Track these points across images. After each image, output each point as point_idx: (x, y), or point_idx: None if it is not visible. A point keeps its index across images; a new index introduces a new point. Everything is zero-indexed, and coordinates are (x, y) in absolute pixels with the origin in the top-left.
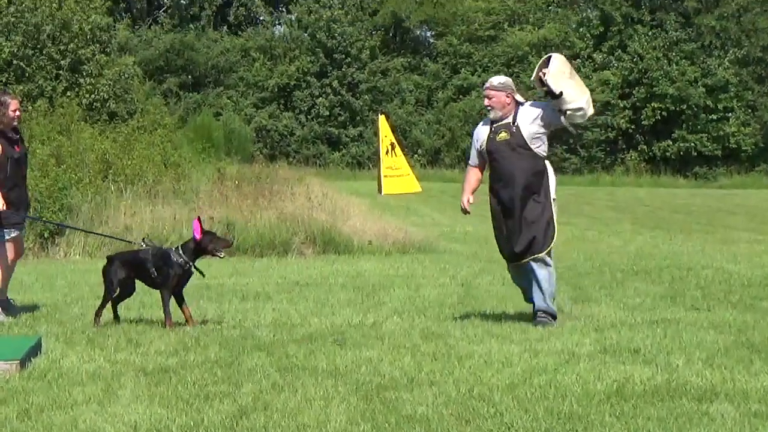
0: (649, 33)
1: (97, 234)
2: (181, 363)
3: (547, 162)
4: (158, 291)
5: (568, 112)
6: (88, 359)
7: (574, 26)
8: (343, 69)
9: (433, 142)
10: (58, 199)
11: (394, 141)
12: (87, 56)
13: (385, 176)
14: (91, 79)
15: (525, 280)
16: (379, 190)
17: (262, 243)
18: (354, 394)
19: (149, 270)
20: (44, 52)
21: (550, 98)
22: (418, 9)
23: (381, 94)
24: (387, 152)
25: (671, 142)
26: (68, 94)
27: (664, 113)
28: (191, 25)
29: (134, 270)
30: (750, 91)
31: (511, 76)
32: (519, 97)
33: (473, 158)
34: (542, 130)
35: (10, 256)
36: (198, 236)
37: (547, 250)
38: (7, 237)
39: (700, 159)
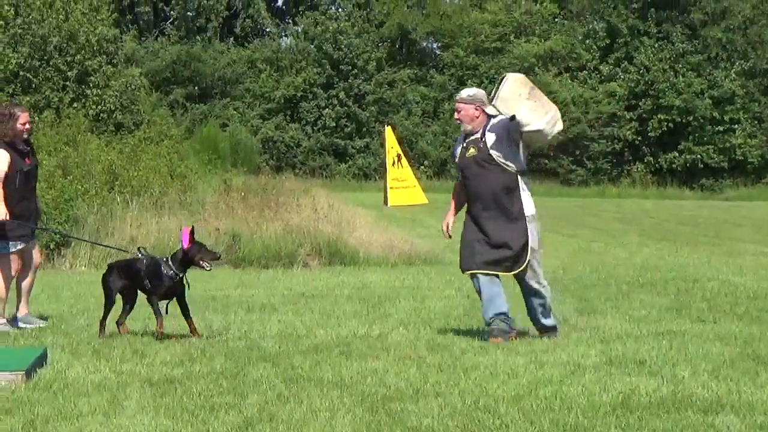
0: (656, 45)
1: (93, 243)
2: (186, 374)
3: (521, 177)
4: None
5: (526, 135)
6: (93, 370)
7: (580, 38)
8: (350, 80)
9: (439, 154)
10: (65, 210)
11: (400, 152)
12: (94, 67)
13: (392, 188)
14: (98, 91)
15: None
16: (385, 202)
17: (268, 254)
18: (359, 405)
19: (143, 279)
20: (51, 64)
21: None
22: (425, 21)
23: (387, 106)
24: (393, 164)
25: (677, 154)
26: (75, 105)
27: (670, 125)
28: (198, 37)
29: (130, 279)
30: (756, 103)
31: None
32: (492, 110)
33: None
34: (513, 143)
35: (15, 267)
36: (186, 246)
37: (515, 272)
38: (12, 249)
39: (706, 171)
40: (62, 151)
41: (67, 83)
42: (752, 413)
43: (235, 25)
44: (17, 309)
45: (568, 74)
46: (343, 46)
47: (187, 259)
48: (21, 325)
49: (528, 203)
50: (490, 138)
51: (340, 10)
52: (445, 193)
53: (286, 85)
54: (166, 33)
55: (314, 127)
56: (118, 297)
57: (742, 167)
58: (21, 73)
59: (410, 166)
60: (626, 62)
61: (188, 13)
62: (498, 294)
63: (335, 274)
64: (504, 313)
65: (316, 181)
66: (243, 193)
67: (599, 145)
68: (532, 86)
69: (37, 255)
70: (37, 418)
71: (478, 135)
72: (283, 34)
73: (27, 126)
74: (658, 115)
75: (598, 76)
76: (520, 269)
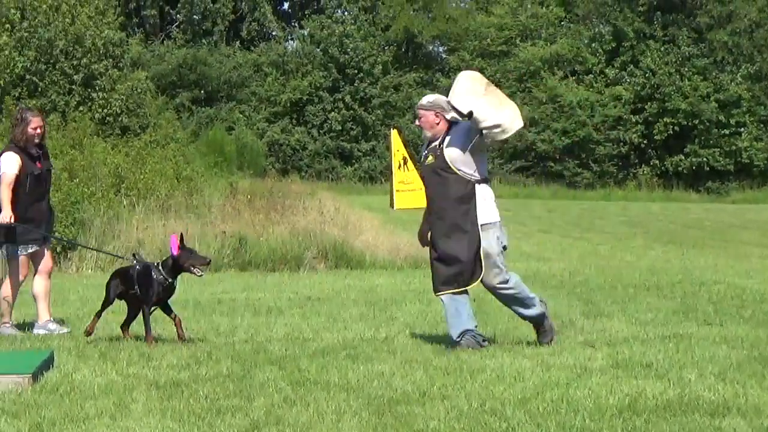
0: (662, 48)
1: (89, 248)
2: (193, 377)
3: (479, 186)
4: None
5: (484, 131)
6: (100, 373)
7: (586, 42)
8: (356, 84)
9: None
10: (71, 213)
11: (406, 155)
12: (100, 71)
13: (398, 191)
14: (104, 94)
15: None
16: (392, 205)
17: (275, 258)
18: (366, 408)
19: (135, 285)
20: (57, 67)
21: (467, 119)
22: (431, 24)
23: (393, 109)
24: (399, 166)
25: (683, 157)
26: (81, 108)
27: (676, 128)
28: (204, 41)
29: (127, 285)
30: (762, 107)
31: (523, 91)
32: (452, 114)
33: None
34: (471, 150)
35: (23, 272)
36: (175, 252)
37: (473, 284)
38: (23, 252)
39: (712, 174)
40: (68, 154)
41: (73, 87)
42: (759, 416)
43: (241, 28)
44: (38, 315)
45: (574, 78)
46: (349, 50)
47: (177, 266)
48: (39, 331)
49: (485, 212)
50: (448, 145)
51: (346, 13)
52: None
53: (292, 89)
54: (172, 36)
55: (320, 131)
56: (124, 303)
57: (748, 170)
58: (27, 76)
59: (416, 169)
60: (632, 66)
61: (194, 16)
62: (461, 312)
63: (341, 277)
64: (470, 330)
65: (322, 184)
66: (249, 196)
67: (605, 148)
68: (488, 83)
69: (50, 259)
70: (44, 421)
71: (437, 142)
72: (289, 37)
73: (39, 130)
74: (664, 119)
75: (604, 79)
76: (476, 281)
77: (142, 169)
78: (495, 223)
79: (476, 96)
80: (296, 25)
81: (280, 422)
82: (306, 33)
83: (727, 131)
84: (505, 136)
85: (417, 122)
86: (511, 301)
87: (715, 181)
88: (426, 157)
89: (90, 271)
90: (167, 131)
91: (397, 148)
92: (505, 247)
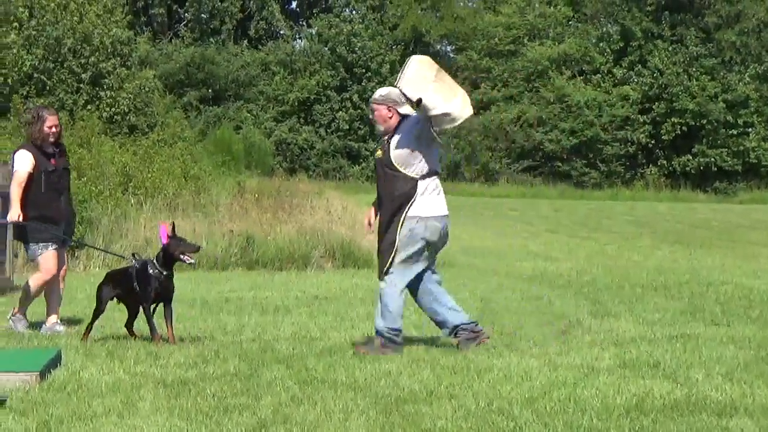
0: (670, 48)
1: (91, 247)
2: (200, 375)
3: (422, 181)
4: (171, 306)
5: (433, 120)
6: (107, 371)
7: (594, 41)
8: (363, 83)
9: (452, 156)
10: (78, 211)
11: None
12: (108, 70)
13: None
14: (112, 93)
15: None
16: None
17: (282, 256)
18: (373, 407)
19: (134, 285)
20: (65, 66)
21: (415, 107)
22: (439, 24)
23: None
24: None
25: (691, 157)
26: (89, 107)
27: (684, 128)
28: (212, 39)
29: (124, 285)
30: None
31: (531, 91)
32: (407, 110)
33: None
34: (417, 146)
35: (50, 269)
36: (165, 241)
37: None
38: (41, 252)
39: (720, 174)
40: (76, 153)
41: (81, 85)
42: (766, 416)
43: (248, 27)
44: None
45: (581, 77)
46: (356, 49)
47: (168, 255)
48: (45, 332)
49: (422, 206)
50: (396, 144)
51: (354, 12)
52: (458, 196)
53: (299, 88)
54: (180, 35)
55: (328, 130)
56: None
57: (755, 170)
58: (35, 75)
59: None
60: (640, 65)
61: (202, 15)
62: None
63: (349, 276)
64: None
65: (329, 183)
66: (257, 195)
67: (612, 148)
68: (439, 68)
69: (64, 260)
70: (52, 419)
71: (387, 137)
72: (296, 36)
73: (54, 129)
74: (672, 119)
75: (612, 79)
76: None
77: (149, 168)
78: (426, 217)
79: (426, 82)
80: (304, 24)
81: (287, 421)
82: (314, 32)
83: (734, 131)
84: (453, 125)
85: (371, 116)
86: (379, 297)
87: (723, 182)
88: (376, 150)
89: (98, 269)
90: (175, 130)
91: None
92: (428, 242)
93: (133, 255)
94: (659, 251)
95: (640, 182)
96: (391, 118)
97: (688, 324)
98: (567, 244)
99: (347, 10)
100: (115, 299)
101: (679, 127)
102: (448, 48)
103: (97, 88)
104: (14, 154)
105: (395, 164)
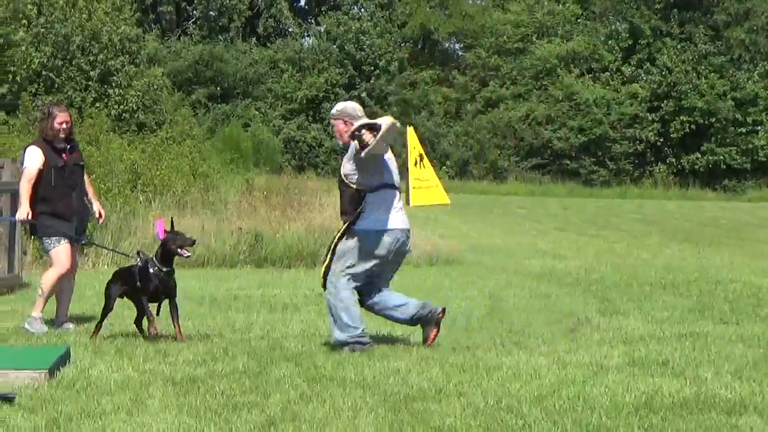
0: (678, 46)
1: (97, 245)
2: (209, 373)
3: (372, 196)
4: (176, 302)
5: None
6: (116, 369)
7: (602, 39)
8: (372, 81)
9: (461, 154)
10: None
11: (422, 152)
12: (116, 67)
13: (414, 187)
14: (120, 90)
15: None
16: (408, 201)
17: (291, 254)
18: (382, 404)
19: (136, 282)
20: (74, 63)
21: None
22: (447, 21)
23: (409, 106)
24: (415, 164)
25: (700, 155)
26: (97, 104)
27: (692, 126)
28: (220, 37)
29: (129, 283)
30: None
31: (539, 89)
32: (361, 122)
33: None
34: (363, 160)
35: (66, 265)
36: (161, 236)
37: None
38: (53, 246)
39: (728, 172)
40: (85, 150)
41: (90, 83)
42: None
43: (257, 25)
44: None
45: (590, 75)
46: (365, 47)
47: (165, 250)
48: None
49: (370, 219)
50: (347, 155)
51: (362, 10)
52: (467, 194)
53: (308, 86)
54: (189, 33)
55: None
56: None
57: (764, 168)
58: (44, 72)
59: (432, 166)
60: (648, 63)
61: (211, 12)
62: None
63: None
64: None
65: None
66: (265, 193)
67: (621, 146)
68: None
69: (74, 257)
70: (61, 416)
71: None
72: (305, 34)
73: (65, 125)
74: (681, 117)
75: (621, 77)
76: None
77: (158, 166)
78: (371, 231)
79: (379, 149)
80: (312, 21)
81: (296, 418)
82: (322, 29)
83: (743, 129)
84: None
85: (333, 131)
86: (328, 310)
87: (732, 180)
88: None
89: (106, 267)
90: (183, 128)
91: (413, 146)
92: (375, 256)
93: (138, 253)
94: (668, 249)
95: (649, 180)
96: (347, 132)
97: (696, 322)
98: (576, 242)
99: (356, 7)
100: (123, 297)
101: (687, 125)
102: (457, 46)
103: (106, 86)
104: (24, 150)
105: (344, 178)
